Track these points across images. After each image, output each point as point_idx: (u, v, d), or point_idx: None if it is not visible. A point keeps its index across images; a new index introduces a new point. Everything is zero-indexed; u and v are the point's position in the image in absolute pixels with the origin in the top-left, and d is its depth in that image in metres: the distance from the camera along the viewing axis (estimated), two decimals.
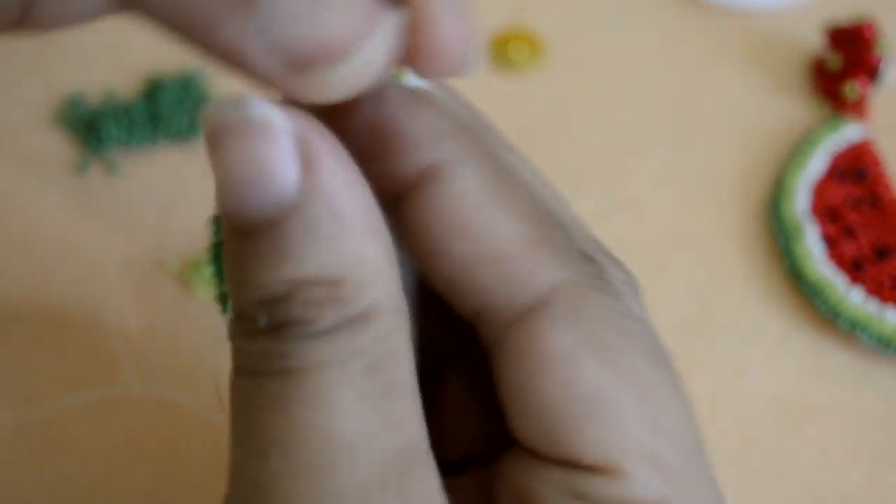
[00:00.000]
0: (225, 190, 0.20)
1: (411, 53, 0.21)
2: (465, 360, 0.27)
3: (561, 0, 0.54)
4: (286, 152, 0.19)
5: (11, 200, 0.46)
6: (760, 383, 0.41)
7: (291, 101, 0.20)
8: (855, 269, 0.43)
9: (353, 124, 0.22)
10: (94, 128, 0.48)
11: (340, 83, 0.19)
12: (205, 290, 0.43)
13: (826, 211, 0.45)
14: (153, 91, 0.50)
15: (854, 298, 0.42)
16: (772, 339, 0.42)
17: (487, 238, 0.21)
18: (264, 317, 0.20)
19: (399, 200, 0.22)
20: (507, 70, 0.49)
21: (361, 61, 0.19)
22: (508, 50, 0.51)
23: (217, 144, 0.20)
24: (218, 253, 0.25)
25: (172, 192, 0.46)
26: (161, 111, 0.48)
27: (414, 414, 0.21)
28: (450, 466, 0.26)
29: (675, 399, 0.22)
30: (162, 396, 0.40)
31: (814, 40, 0.51)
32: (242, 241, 0.20)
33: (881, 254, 0.43)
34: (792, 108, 0.50)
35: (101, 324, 0.42)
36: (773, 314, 0.43)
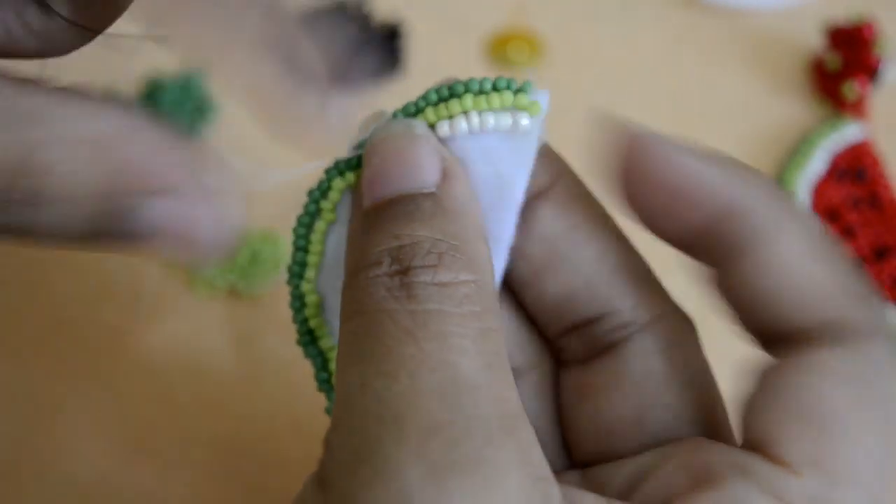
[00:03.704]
0: (379, 175, 0.25)
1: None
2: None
3: (560, 0, 0.54)
4: (431, 157, 0.25)
5: None
6: None
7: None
8: None
9: (647, 185, 0.25)
10: None
11: None
12: (205, 288, 0.43)
13: (826, 211, 0.45)
14: (153, 91, 0.49)
15: None
16: None
17: (814, 288, 0.24)
18: (389, 260, 0.23)
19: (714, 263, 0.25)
20: (506, 70, 0.49)
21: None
22: (508, 50, 0.51)
23: (382, 143, 0.25)
24: (299, 244, 0.27)
25: None
26: (161, 111, 0.48)
27: (515, 390, 0.23)
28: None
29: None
30: (162, 394, 0.40)
31: (814, 40, 0.51)
32: (379, 209, 0.24)
33: (881, 254, 0.43)
34: (792, 108, 0.50)
35: (101, 323, 0.42)
36: None
